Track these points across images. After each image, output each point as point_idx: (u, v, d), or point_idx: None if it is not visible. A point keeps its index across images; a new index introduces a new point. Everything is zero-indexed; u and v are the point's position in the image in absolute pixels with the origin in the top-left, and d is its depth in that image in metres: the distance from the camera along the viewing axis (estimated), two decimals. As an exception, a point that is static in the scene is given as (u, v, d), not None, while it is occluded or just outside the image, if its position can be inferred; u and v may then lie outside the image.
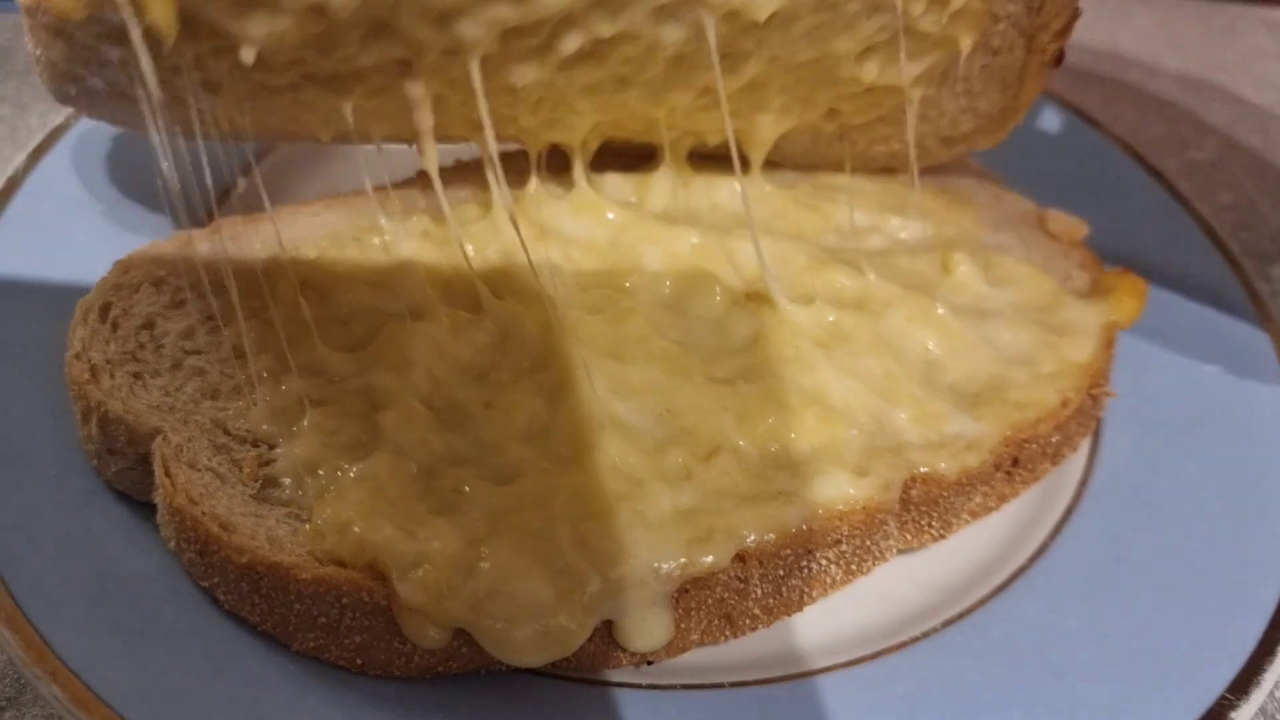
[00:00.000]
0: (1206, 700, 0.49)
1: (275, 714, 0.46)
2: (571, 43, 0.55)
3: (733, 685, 0.50)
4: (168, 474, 0.49)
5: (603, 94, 0.61)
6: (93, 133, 0.69)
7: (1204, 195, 0.88)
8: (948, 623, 0.53)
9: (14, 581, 0.47)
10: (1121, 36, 1.06)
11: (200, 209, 0.59)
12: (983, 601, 0.53)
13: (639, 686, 0.49)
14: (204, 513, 0.48)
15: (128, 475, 0.52)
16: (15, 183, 0.65)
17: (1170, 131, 0.95)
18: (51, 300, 0.57)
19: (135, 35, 0.45)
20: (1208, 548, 0.55)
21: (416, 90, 0.55)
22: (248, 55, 0.48)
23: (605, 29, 0.54)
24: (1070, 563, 0.55)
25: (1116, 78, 1.01)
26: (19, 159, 0.77)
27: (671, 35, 0.56)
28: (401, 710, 0.47)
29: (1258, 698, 0.49)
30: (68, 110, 0.81)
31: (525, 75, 0.56)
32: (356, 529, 0.47)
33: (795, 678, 0.51)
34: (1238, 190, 0.89)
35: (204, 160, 0.56)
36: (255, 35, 0.47)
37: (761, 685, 0.50)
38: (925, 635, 0.52)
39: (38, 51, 0.52)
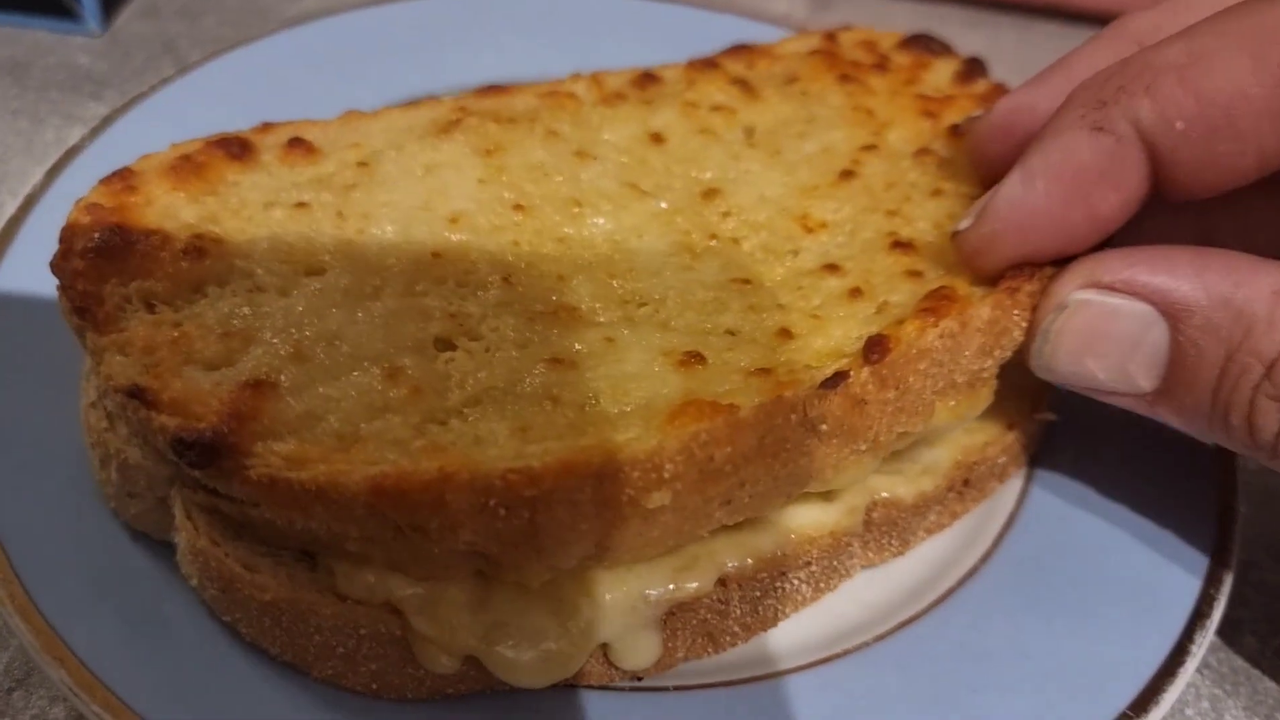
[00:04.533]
0: (1108, 716, 0.53)
1: (263, 693, 0.51)
2: None
3: (678, 689, 0.55)
4: (189, 517, 0.52)
5: None
6: (108, 152, 0.73)
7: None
8: (879, 637, 0.57)
9: (27, 577, 0.52)
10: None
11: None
12: (912, 619, 0.58)
13: (627, 690, 0.55)
14: (227, 554, 0.51)
15: (147, 517, 0.55)
16: (32, 200, 0.69)
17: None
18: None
19: None
20: (1123, 575, 0.60)
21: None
22: None
23: None
24: (996, 585, 0.60)
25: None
26: (35, 171, 0.82)
27: None
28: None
29: (1156, 714, 0.54)
30: (82, 126, 0.86)
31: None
32: (370, 576, 0.50)
33: (741, 682, 0.55)
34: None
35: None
36: None
37: (705, 689, 0.55)
38: (857, 648, 0.57)
39: None
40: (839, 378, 0.51)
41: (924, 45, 0.76)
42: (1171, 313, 0.51)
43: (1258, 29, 0.48)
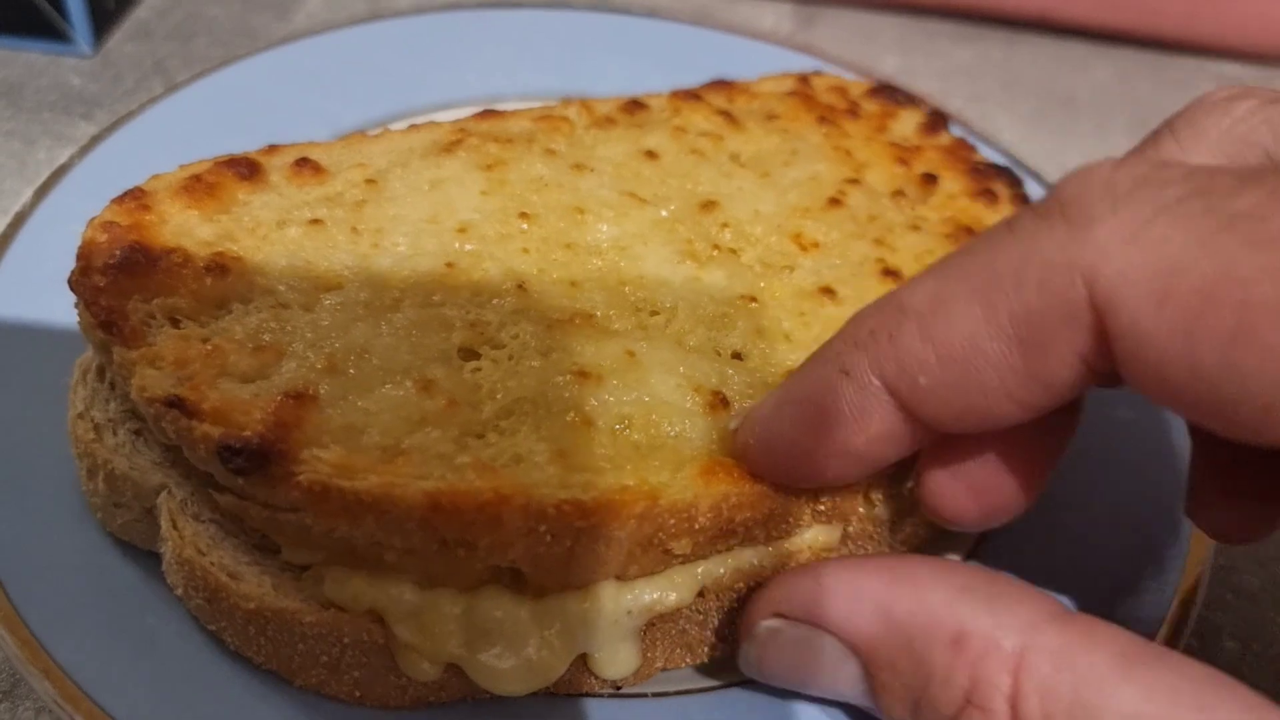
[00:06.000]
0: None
1: (247, 703, 0.51)
2: None
3: (656, 695, 0.55)
4: (175, 527, 0.53)
5: None
6: (96, 171, 0.74)
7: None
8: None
9: (12, 588, 0.53)
10: (1080, 87, 1.12)
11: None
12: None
13: (606, 697, 0.55)
14: (212, 563, 0.52)
15: (134, 527, 0.55)
16: (21, 219, 0.70)
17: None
18: (58, 340, 0.62)
19: None
20: (1099, 581, 0.61)
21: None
22: None
23: None
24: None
25: (1069, 128, 1.07)
26: (27, 192, 0.83)
27: None
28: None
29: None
30: (74, 147, 0.87)
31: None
32: (354, 582, 0.51)
33: (720, 688, 0.56)
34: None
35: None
36: None
37: (684, 695, 0.55)
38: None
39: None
40: None
41: (890, 95, 0.79)
42: (856, 651, 0.46)
43: (988, 272, 0.43)
